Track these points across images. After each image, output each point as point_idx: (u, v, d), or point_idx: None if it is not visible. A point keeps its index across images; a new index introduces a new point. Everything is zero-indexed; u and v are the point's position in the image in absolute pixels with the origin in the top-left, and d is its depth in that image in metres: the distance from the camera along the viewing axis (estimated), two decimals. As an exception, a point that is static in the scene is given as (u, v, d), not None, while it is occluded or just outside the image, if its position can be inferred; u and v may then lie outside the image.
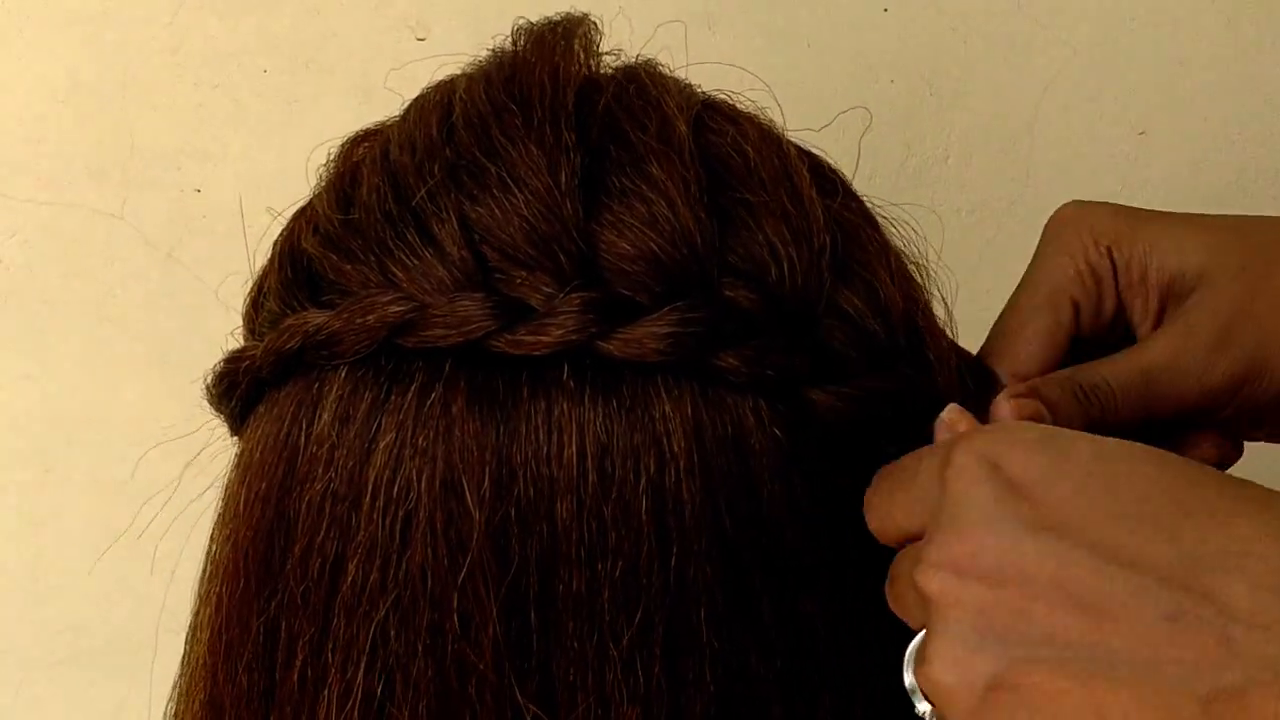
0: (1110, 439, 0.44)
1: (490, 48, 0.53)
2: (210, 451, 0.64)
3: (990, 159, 0.82)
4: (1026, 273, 0.57)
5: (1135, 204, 0.82)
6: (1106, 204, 0.57)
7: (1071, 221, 0.57)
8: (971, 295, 0.83)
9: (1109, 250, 0.55)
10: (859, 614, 0.49)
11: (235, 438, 0.54)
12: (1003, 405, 0.50)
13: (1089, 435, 0.45)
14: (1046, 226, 0.57)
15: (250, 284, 0.54)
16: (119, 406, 0.85)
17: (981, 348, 0.56)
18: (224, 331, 0.81)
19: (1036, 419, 0.50)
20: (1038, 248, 0.57)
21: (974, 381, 0.52)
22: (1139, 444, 0.44)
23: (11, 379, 0.84)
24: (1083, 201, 0.58)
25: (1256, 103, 0.81)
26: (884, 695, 0.48)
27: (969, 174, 0.82)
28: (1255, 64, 0.80)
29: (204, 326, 0.83)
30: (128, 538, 0.85)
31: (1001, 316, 0.56)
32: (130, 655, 0.88)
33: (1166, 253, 0.55)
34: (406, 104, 0.53)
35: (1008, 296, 0.82)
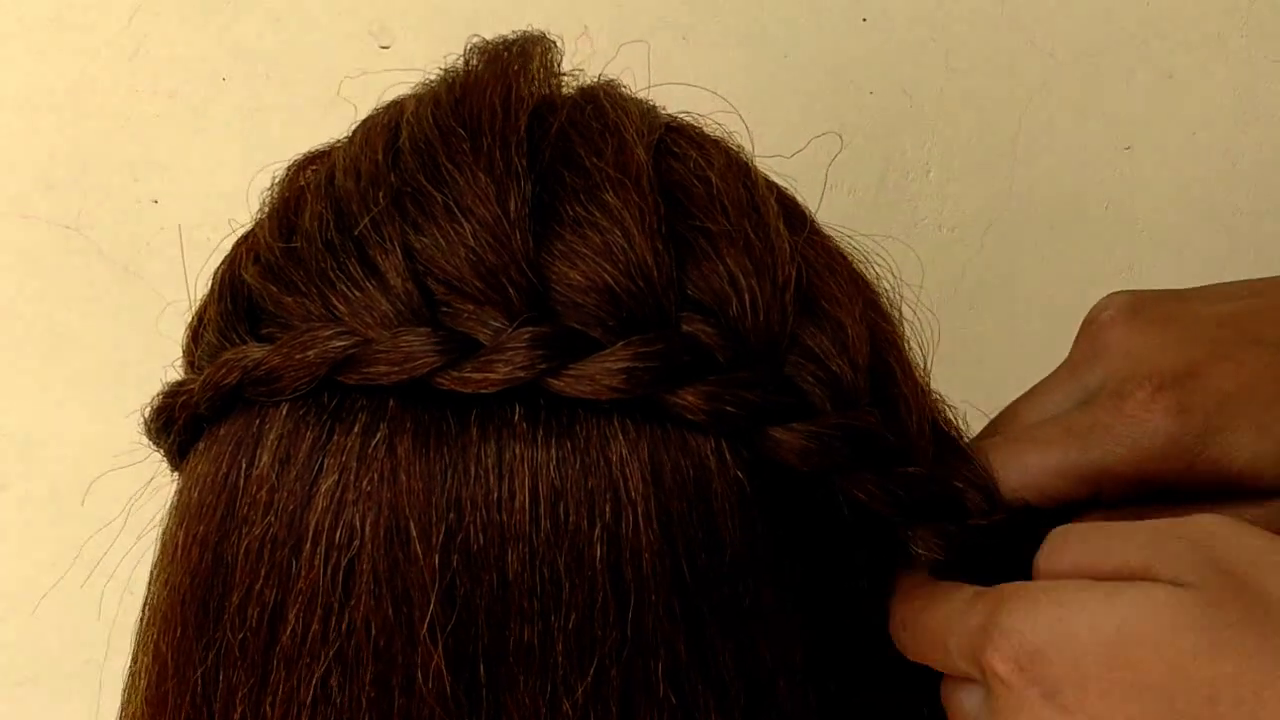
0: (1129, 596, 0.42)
1: (443, 66, 0.51)
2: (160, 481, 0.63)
3: (972, 173, 0.80)
4: (1064, 375, 0.52)
5: (1121, 217, 0.81)
6: (1162, 337, 0.50)
7: (1123, 368, 0.50)
8: (954, 312, 0.82)
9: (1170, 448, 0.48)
10: (821, 663, 0.47)
11: (175, 474, 0.52)
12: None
13: (1104, 603, 0.42)
14: (1089, 333, 0.52)
15: (190, 313, 0.52)
16: (74, 423, 0.83)
17: (995, 424, 0.53)
18: (182, 347, 0.80)
19: None
20: (1079, 350, 0.52)
21: (936, 441, 0.50)
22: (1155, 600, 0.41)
23: (-36, 394, 0.82)
24: (1132, 319, 0.51)
25: (1245, 117, 0.79)
26: None
27: (951, 188, 0.80)
28: (1244, 77, 0.79)
29: (162, 342, 0.81)
30: (84, 559, 0.84)
31: (1030, 403, 0.53)
32: (89, 678, 0.87)
33: (1241, 449, 0.48)
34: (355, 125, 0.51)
35: (990, 313, 0.80)
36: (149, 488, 0.62)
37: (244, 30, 0.78)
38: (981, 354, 0.83)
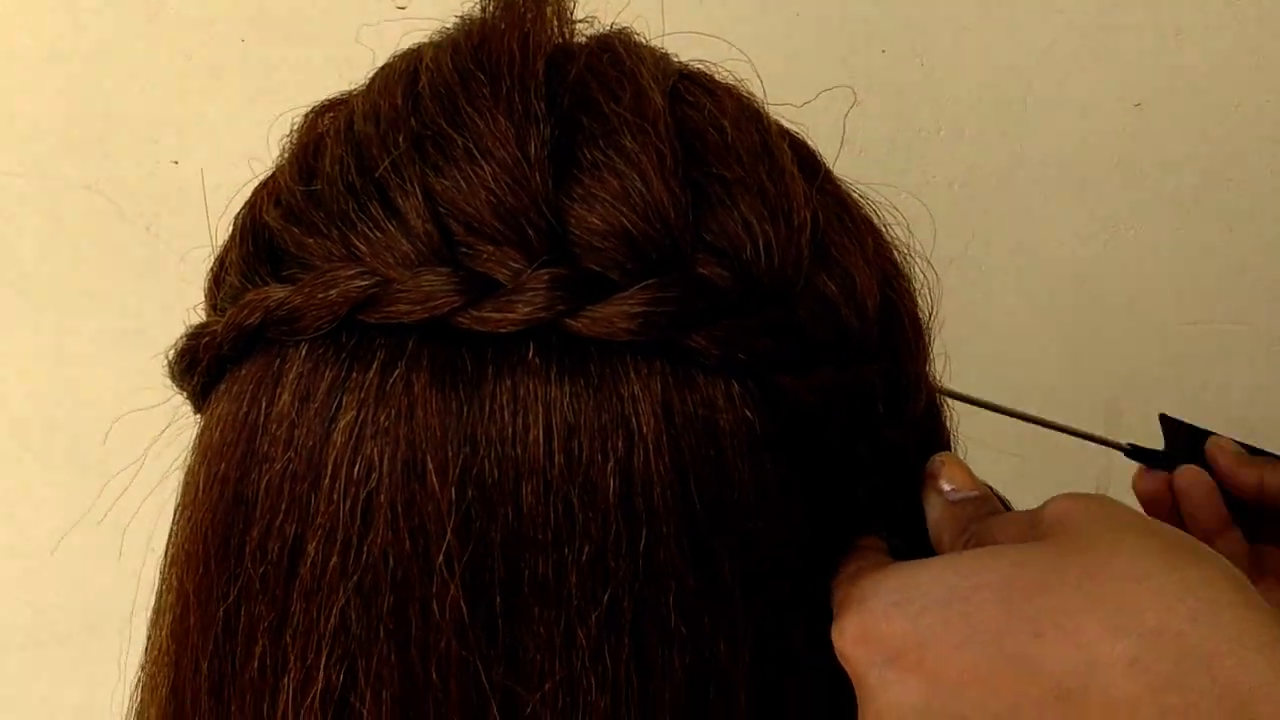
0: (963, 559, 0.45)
1: (459, 15, 0.52)
2: (178, 427, 0.63)
3: (983, 131, 0.80)
4: None
5: (1130, 174, 0.81)
6: None
7: None
8: (962, 270, 0.82)
9: None
10: (827, 603, 0.48)
11: (197, 416, 0.52)
12: None
13: (938, 565, 0.45)
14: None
15: (212, 257, 0.53)
16: (95, 381, 0.84)
17: None
18: (202, 306, 0.81)
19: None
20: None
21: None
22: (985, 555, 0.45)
23: (-13, 354, 0.83)
24: None
25: (1254, 74, 0.79)
26: (850, 685, 0.47)
27: (961, 147, 0.81)
28: (1252, 35, 0.79)
29: (182, 300, 0.82)
30: (106, 519, 0.84)
31: None
32: (105, 638, 0.88)
33: None
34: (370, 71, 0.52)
35: (999, 272, 0.81)
36: (163, 437, 0.63)
37: (262, -8, 0.79)
38: (989, 313, 0.83)
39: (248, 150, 0.79)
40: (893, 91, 0.79)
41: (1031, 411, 0.59)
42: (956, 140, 0.80)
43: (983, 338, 0.83)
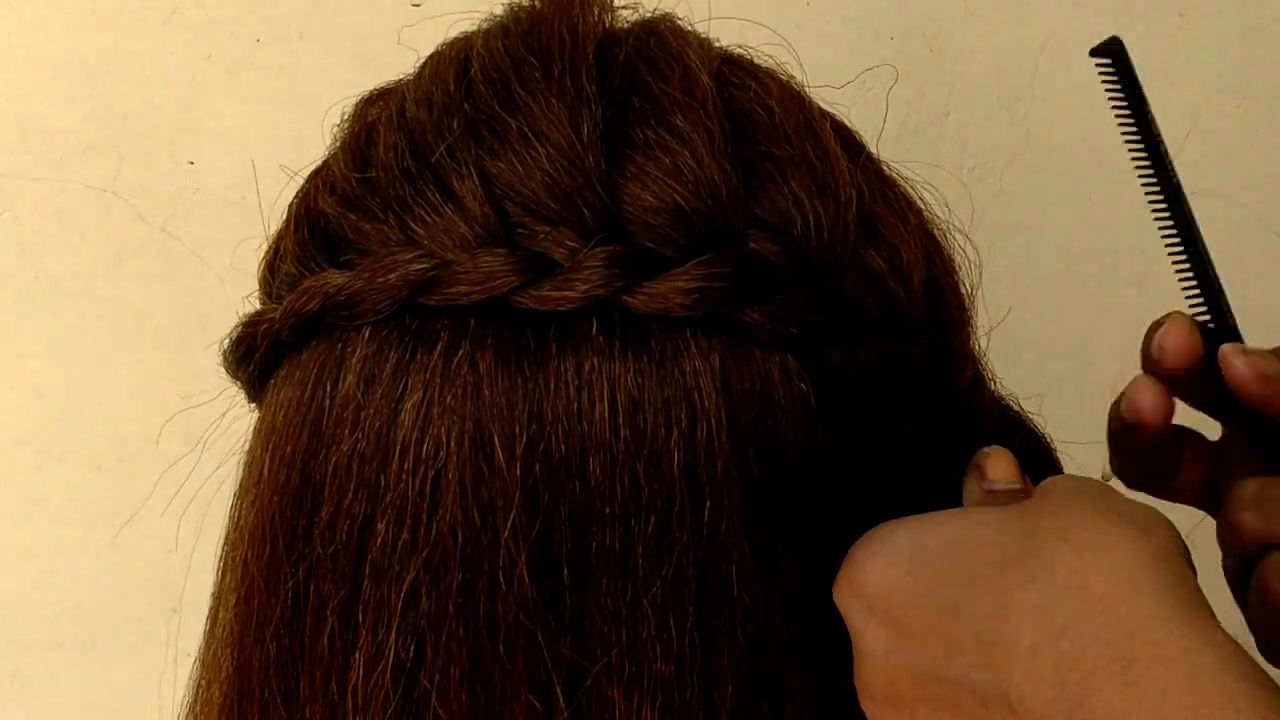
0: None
1: (499, 7, 0.53)
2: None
3: (991, 115, 0.81)
4: None
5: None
6: None
7: None
8: (972, 254, 0.83)
9: None
10: None
11: (252, 404, 0.53)
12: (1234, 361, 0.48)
13: (913, 521, 0.47)
14: None
15: (265, 247, 0.53)
16: (113, 383, 0.84)
17: None
18: (220, 305, 0.81)
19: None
20: None
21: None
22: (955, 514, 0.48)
23: (5, 358, 0.83)
24: None
25: (1260, 52, 0.80)
26: None
27: (969, 131, 0.82)
28: (1252, 14, 0.80)
29: (200, 301, 0.82)
30: (123, 519, 0.85)
31: None
32: (128, 638, 0.88)
33: None
34: (420, 61, 0.52)
35: (1007, 253, 0.82)
36: (172, 443, 0.63)
37: (276, -9, 0.79)
38: (997, 296, 0.84)
39: (264, 149, 0.80)
40: (902, 77, 0.80)
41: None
42: (964, 124, 0.82)
43: (989, 321, 0.84)
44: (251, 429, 0.52)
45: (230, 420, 0.57)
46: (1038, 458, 0.54)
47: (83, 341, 0.83)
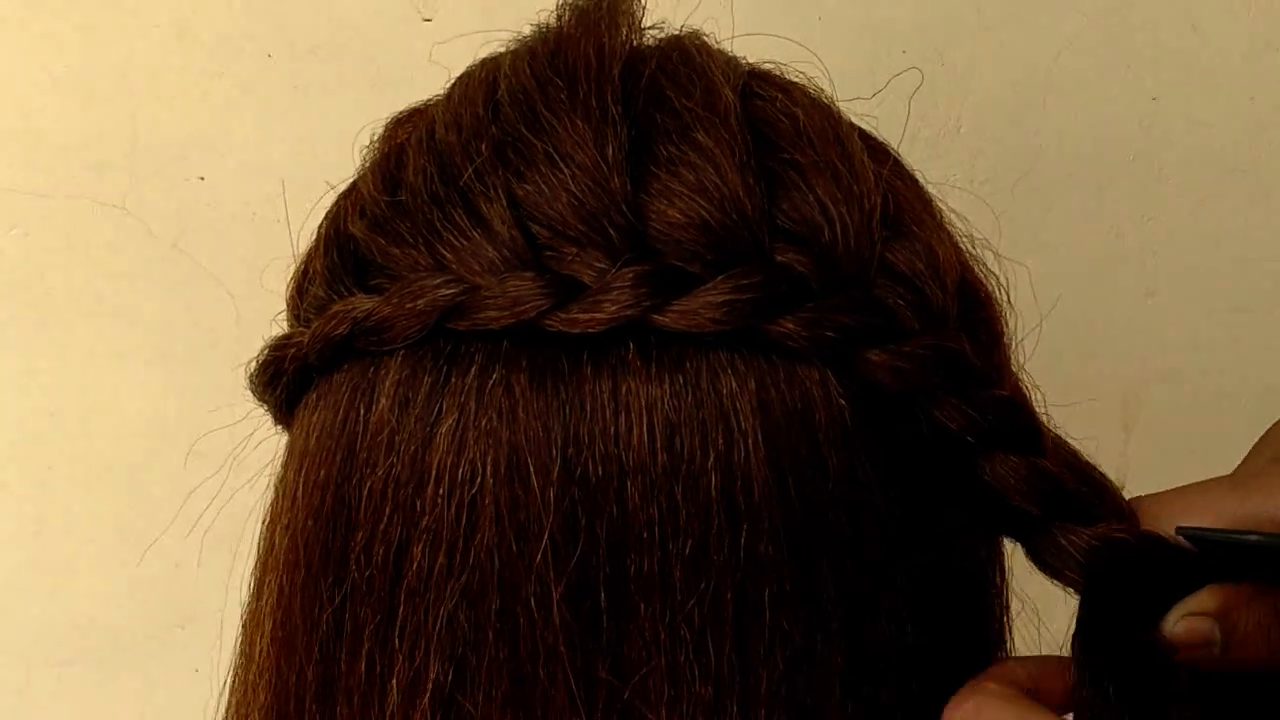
0: None
1: (534, 24, 0.53)
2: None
3: (1003, 129, 0.82)
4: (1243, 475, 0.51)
5: (1147, 168, 0.82)
6: None
7: None
8: (983, 271, 0.83)
9: None
10: (918, 598, 0.49)
11: (278, 426, 0.53)
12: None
13: None
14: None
15: (277, 263, 0.53)
16: (123, 401, 0.84)
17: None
18: (230, 322, 0.81)
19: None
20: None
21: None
22: None
23: (14, 374, 0.83)
24: None
25: (1272, 68, 0.81)
26: (946, 689, 0.48)
27: (981, 145, 0.82)
28: (1270, 28, 0.80)
29: (210, 318, 0.82)
30: (132, 535, 0.85)
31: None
32: (136, 654, 0.87)
33: None
34: (450, 81, 0.52)
35: (1020, 270, 0.82)
36: (186, 460, 0.63)
37: (287, 8, 0.79)
38: (1008, 308, 0.84)
39: (275, 166, 0.80)
40: (913, 90, 0.80)
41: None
42: (976, 138, 0.82)
43: (1006, 333, 0.84)
44: (267, 446, 0.51)
45: (241, 435, 0.56)
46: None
47: (93, 357, 0.83)
